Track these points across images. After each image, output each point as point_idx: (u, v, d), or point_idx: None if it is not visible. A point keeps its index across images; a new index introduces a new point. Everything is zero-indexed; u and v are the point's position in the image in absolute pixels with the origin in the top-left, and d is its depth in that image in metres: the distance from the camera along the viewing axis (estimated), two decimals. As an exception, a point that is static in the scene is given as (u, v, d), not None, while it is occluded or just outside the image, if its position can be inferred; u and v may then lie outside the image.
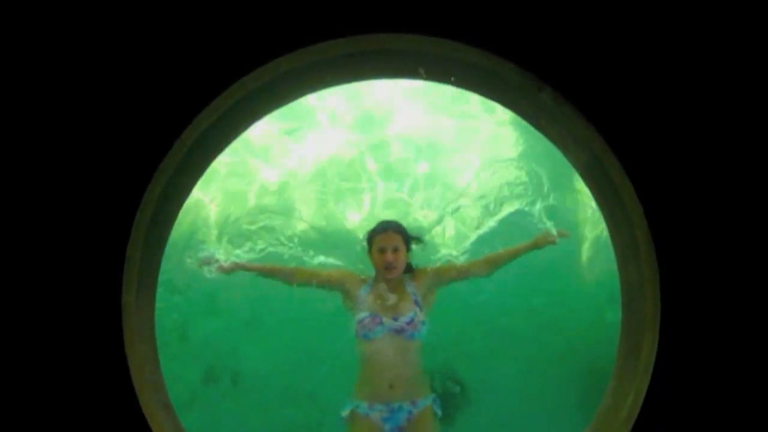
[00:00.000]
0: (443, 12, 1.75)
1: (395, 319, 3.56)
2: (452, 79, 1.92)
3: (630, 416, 1.75)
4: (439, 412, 3.77)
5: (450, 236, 5.45)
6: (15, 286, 1.74)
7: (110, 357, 1.75)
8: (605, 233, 2.02)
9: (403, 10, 1.75)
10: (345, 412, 3.72)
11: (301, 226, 5.45)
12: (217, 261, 3.60)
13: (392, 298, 3.59)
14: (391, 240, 3.53)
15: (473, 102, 5.51)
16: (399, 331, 3.55)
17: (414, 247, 3.68)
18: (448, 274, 3.76)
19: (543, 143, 2.12)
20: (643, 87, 1.75)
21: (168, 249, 1.99)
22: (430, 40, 1.76)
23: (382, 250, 3.53)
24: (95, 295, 1.75)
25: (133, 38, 1.75)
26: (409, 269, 3.66)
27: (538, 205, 5.30)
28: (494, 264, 3.73)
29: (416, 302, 3.60)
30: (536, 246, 3.71)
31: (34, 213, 1.74)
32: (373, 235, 3.57)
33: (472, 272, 3.75)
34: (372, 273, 3.67)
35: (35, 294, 1.74)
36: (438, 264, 3.83)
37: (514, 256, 3.73)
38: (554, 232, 3.71)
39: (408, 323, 3.57)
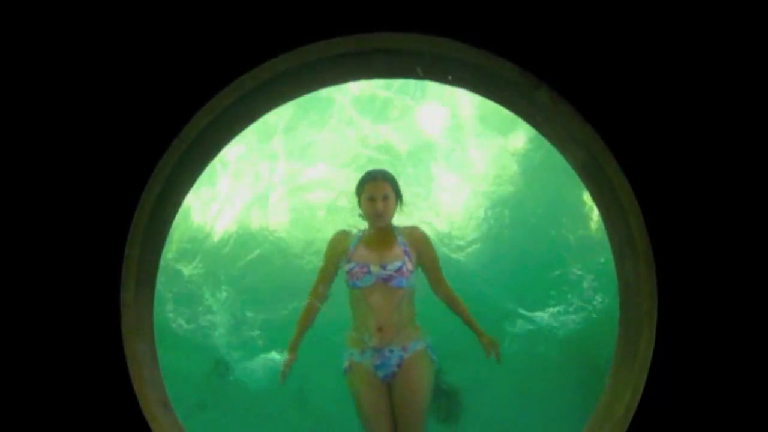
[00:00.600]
0: (440, 11, 1.75)
1: (383, 267, 3.58)
2: (449, 77, 1.92)
3: (627, 413, 1.75)
4: (435, 359, 3.78)
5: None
6: (14, 283, 1.75)
7: (109, 355, 1.76)
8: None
9: (400, 10, 1.75)
10: (345, 364, 3.75)
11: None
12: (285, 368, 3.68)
13: (381, 247, 3.61)
14: (380, 188, 3.54)
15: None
16: (387, 279, 3.57)
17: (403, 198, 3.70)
18: (427, 258, 3.73)
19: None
20: (640, 85, 1.76)
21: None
22: (427, 39, 1.77)
23: (372, 199, 3.54)
24: (94, 292, 1.75)
25: (133, 36, 1.75)
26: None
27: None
28: (447, 300, 3.75)
29: (405, 252, 3.61)
30: (478, 335, 3.72)
31: (33, 211, 1.75)
32: (361, 185, 3.58)
33: (434, 280, 3.75)
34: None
35: (35, 292, 1.75)
36: (431, 240, 3.84)
37: (462, 317, 3.75)
38: (493, 349, 3.70)
39: (396, 271, 3.59)
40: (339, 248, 3.71)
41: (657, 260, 1.76)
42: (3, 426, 1.76)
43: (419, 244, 3.69)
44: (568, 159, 2.02)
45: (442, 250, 4.99)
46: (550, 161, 4.99)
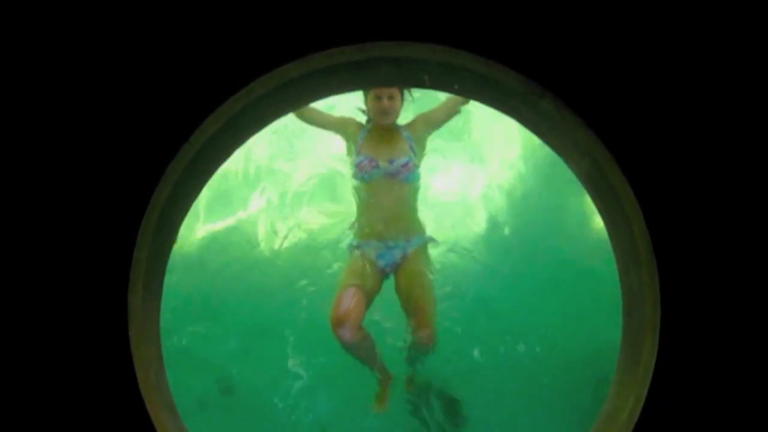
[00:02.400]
0: (447, 21, 1.78)
1: (390, 162, 3.75)
2: (456, 86, 1.95)
3: (630, 420, 1.76)
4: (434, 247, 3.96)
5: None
6: (23, 286, 1.76)
7: (116, 358, 1.77)
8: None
9: (408, 20, 1.78)
10: (348, 251, 3.93)
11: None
12: None
13: (388, 142, 3.79)
14: (387, 89, 3.67)
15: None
16: (394, 174, 3.75)
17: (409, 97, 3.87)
18: (437, 116, 3.96)
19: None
20: (645, 95, 1.78)
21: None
22: (435, 49, 1.79)
23: (378, 98, 3.68)
24: (102, 296, 1.77)
25: (142, 43, 1.78)
26: None
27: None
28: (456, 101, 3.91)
29: (411, 147, 3.79)
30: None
31: (42, 215, 1.77)
32: None
33: (452, 107, 3.95)
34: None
35: (43, 295, 1.77)
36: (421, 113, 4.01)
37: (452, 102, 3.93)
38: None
39: (403, 166, 3.75)
40: (349, 129, 3.90)
41: (660, 269, 1.77)
42: (13, 426, 1.77)
43: (422, 126, 3.90)
44: (572, 168, 2.04)
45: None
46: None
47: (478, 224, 5.50)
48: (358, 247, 3.91)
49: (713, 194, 1.77)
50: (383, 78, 1.97)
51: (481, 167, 5.70)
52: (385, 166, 3.75)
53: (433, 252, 4.27)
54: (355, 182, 3.88)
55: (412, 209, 3.92)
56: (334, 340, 3.84)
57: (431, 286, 3.88)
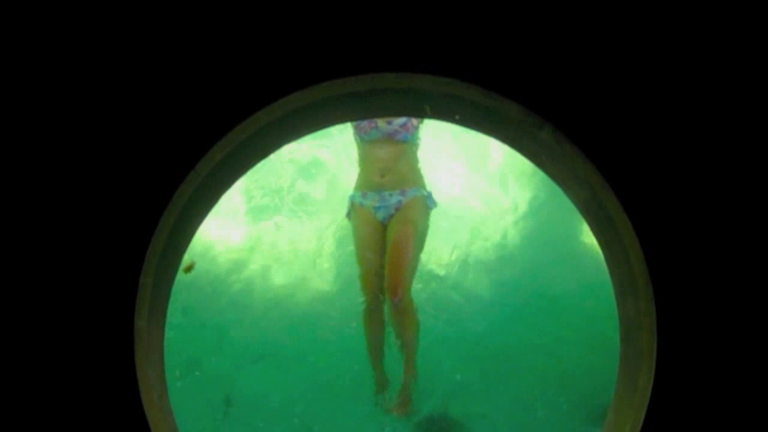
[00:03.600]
0: (448, 53, 1.82)
1: (389, 123, 3.91)
2: (457, 117, 1.99)
3: (627, 446, 1.79)
4: (432, 206, 4.07)
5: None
6: (31, 309, 1.80)
7: (121, 381, 1.80)
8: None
9: (410, 52, 1.83)
10: (348, 208, 4.14)
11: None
12: None
13: None
14: None
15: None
16: (392, 134, 3.92)
17: None
18: None
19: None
20: (641, 126, 1.82)
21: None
22: (436, 80, 1.83)
23: None
24: (108, 319, 1.80)
25: (152, 72, 1.82)
26: None
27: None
28: None
29: None
30: None
31: (50, 239, 1.80)
32: None
33: None
34: None
35: (51, 318, 1.80)
36: None
37: None
38: None
39: (401, 126, 3.92)
40: None
41: (656, 297, 1.80)
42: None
43: None
44: (571, 197, 2.07)
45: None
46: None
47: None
48: (356, 200, 4.09)
49: (709, 224, 1.80)
50: (386, 108, 2.01)
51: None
52: (384, 126, 3.91)
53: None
54: (356, 142, 4.09)
55: (410, 164, 4.07)
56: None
57: (418, 242, 4.03)
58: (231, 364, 5.12)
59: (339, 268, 5.30)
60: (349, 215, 4.21)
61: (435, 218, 4.59)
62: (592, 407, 4.29)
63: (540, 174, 2.16)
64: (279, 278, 5.42)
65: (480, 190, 5.69)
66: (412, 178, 4.08)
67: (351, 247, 4.27)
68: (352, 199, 4.17)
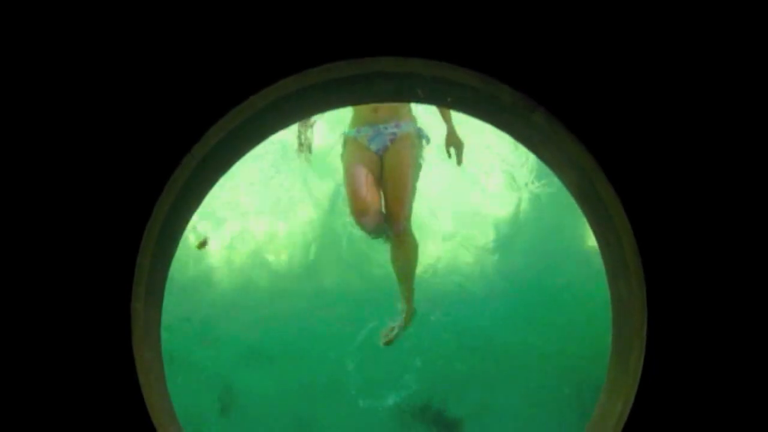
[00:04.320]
0: (441, 37, 1.84)
1: None
2: (449, 100, 2.00)
3: (618, 423, 1.80)
4: (425, 142, 4.11)
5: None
6: (27, 292, 1.81)
7: (118, 362, 1.81)
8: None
9: (403, 36, 1.84)
10: (341, 145, 4.16)
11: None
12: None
13: None
14: None
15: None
16: None
17: None
18: None
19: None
20: (634, 108, 1.83)
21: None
22: (429, 63, 1.85)
23: None
24: (105, 301, 1.81)
25: (145, 56, 1.84)
26: None
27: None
28: None
29: None
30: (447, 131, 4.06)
31: (46, 223, 1.82)
32: None
33: None
34: None
35: (47, 300, 1.81)
36: None
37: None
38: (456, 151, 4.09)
39: None
40: None
41: (647, 278, 1.81)
42: (17, 430, 1.81)
43: None
44: (564, 181, 2.09)
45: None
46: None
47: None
48: (350, 134, 4.10)
49: (700, 205, 1.82)
50: (378, 92, 2.03)
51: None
52: None
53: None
54: None
55: (403, 102, 4.00)
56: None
57: (413, 174, 4.03)
58: (226, 360, 5.15)
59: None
60: (342, 153, 4.19)
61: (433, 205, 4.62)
62: (593, 399, 4.29)
63: (542, 166, 2.17)
64: (272, 274, 5.44)
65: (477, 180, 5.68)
66: (406, 113, 4.09)
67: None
68: (345, 135, 4.17)
